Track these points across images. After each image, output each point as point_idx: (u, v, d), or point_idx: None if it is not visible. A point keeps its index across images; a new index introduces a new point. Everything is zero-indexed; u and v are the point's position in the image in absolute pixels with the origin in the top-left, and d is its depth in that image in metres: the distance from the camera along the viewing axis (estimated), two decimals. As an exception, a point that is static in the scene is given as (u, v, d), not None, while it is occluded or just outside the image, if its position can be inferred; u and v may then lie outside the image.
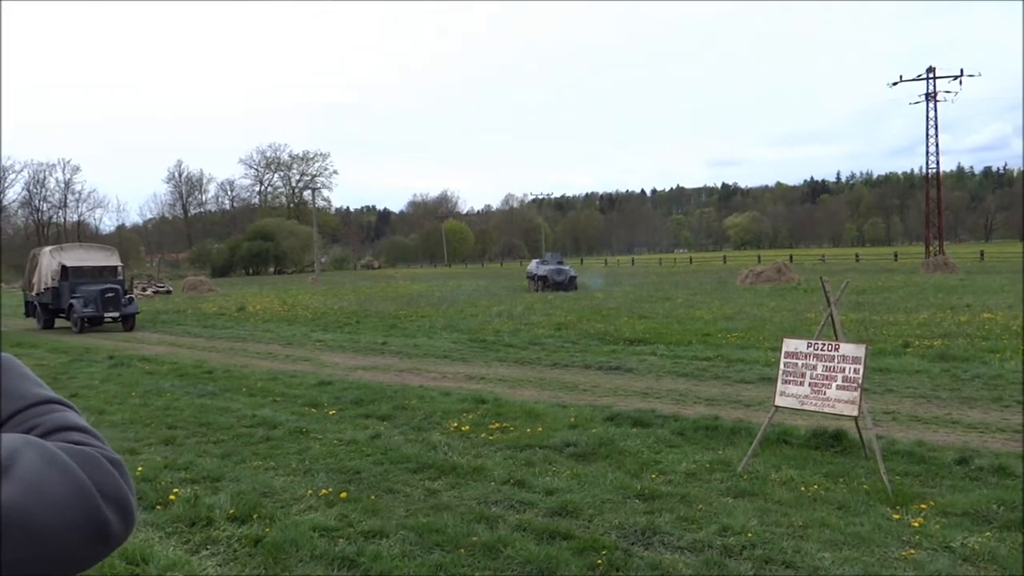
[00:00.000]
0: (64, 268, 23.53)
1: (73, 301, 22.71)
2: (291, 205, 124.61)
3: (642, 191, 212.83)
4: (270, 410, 9.52)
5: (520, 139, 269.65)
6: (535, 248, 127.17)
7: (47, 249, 24.79)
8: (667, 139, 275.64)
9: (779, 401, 6.61)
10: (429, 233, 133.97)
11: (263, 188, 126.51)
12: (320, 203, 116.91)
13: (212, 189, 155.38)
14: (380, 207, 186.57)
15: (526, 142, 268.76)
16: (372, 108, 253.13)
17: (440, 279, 56.34)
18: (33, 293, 25.02)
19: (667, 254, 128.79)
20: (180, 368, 13.93)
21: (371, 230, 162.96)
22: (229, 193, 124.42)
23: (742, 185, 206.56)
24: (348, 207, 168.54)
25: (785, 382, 6.58)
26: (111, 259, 24.82)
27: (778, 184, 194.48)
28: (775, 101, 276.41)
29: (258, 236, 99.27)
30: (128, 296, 23.19)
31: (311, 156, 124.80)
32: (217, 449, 7.66)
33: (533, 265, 39.60)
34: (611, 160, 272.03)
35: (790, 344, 6.63)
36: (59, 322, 24.80)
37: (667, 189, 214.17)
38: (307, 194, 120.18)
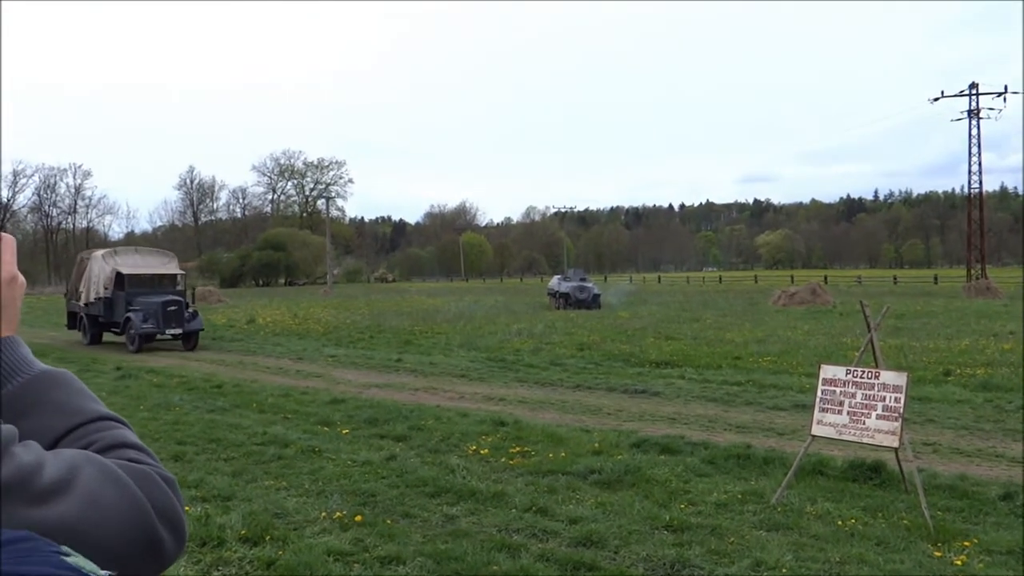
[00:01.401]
0: (120, 276, 21.44)
1: (131, 315, 20.46)
2: (304, 214, 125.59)
3: (670, 206, 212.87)
4: (282, 427, 9.58)
5: (543, 150, 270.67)
6: (557, 263, 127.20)
7: (99, 253, 22.78)
8: (697, 152, 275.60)
9: (815, 430, 6.57)
10: (446, 246, 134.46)
11: (276, 196, 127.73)
12: (334, 213, 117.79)
13: (224, 196, 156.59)
14: (396, 218, 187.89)
15: (549, 153, 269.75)
16: (391, 116, 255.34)
17: (457, 294, 56.48)
18: (80, 303, 22.67)
19: (695, 272, 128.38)
20: (189, 381, 14.05)
21: (386, 242, 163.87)
22: (241, 201, 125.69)
23: (775, 201, 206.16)
24: (363, 217, 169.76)
25: (822, 410, 6.54)
26: (171, 266, 22.93)
27: (812, 201, 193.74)
28: (810, 116, 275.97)
29: (269, 246, 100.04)
30: (191, 310, 21.18)
31: (326, 164, 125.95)
32: (228, 467, 7.72)
33: (555, 281, 39.58)
34: (638, 173, 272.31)
35: (828, 370, 6.60)
36: (106, 336, 23.02)
37: (696, 204, 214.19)
38: (321, 203, 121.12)
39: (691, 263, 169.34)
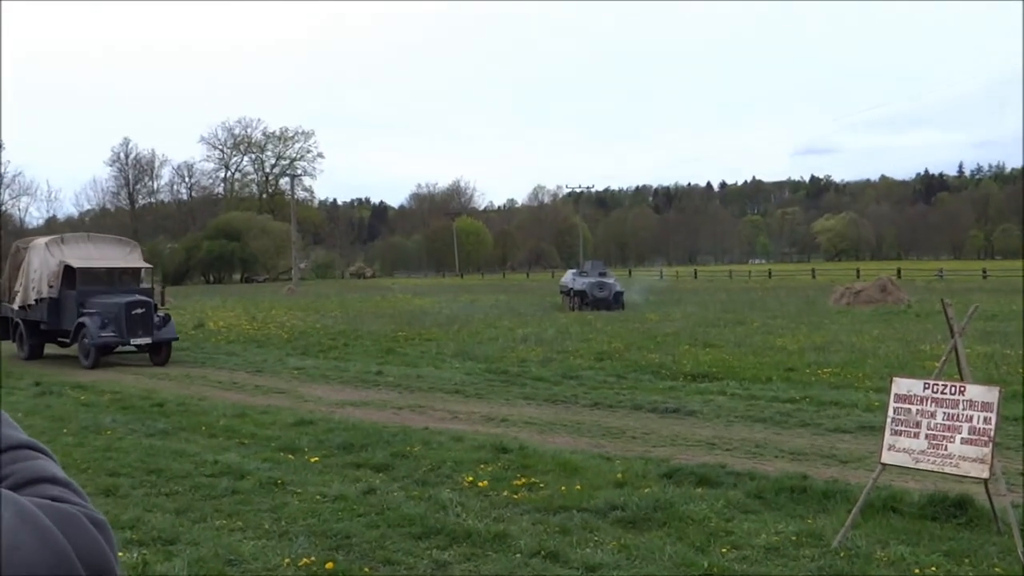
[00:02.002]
0: (69, 271, 20.34)
1: (84, 320, 19.42)
2: (264, 196, 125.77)
3: (708, 185, 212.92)
4: (236, 455, 9.60)
5: (553, 118, 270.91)
6: (570, 255, 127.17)
7: (40, 242, 21.55)
8: (741, 120, 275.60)
9: (886, 457, 6.56)
10: (436, 234, 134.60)
11: (229, 174, 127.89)
12: (301, 194, 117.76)
13: (166, 174, 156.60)
14: (375, 200, 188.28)
15: (560, 122, 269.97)
16: (369, 79, 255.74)
17: (450, 292, 56.53)
18: (15, 306, 21.56)
19: (739, 265, 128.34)
20: (123, 399, 14.08)
21: (364, 229, 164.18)
22: (187, 179, 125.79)
23: (836, 179, 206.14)
24: (335, 199, 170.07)
25: (894, 433, 6.53)
26: (133, 257, 22.08)
27: (882, 178, 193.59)
28: (879, 74, 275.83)
29: (222, 234, 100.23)
30: (162, 314, 20.27)
31: (290, 135, 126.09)
32: (171, 503, 7.73)
33: (568, 277, 39.62)
34: (669, 145, 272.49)
35: (902, 384, 6.58)
36: (50, 348, 21.94)
37: (740, 183, 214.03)
38: (284, 182, 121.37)
39: (734, 254, 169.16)
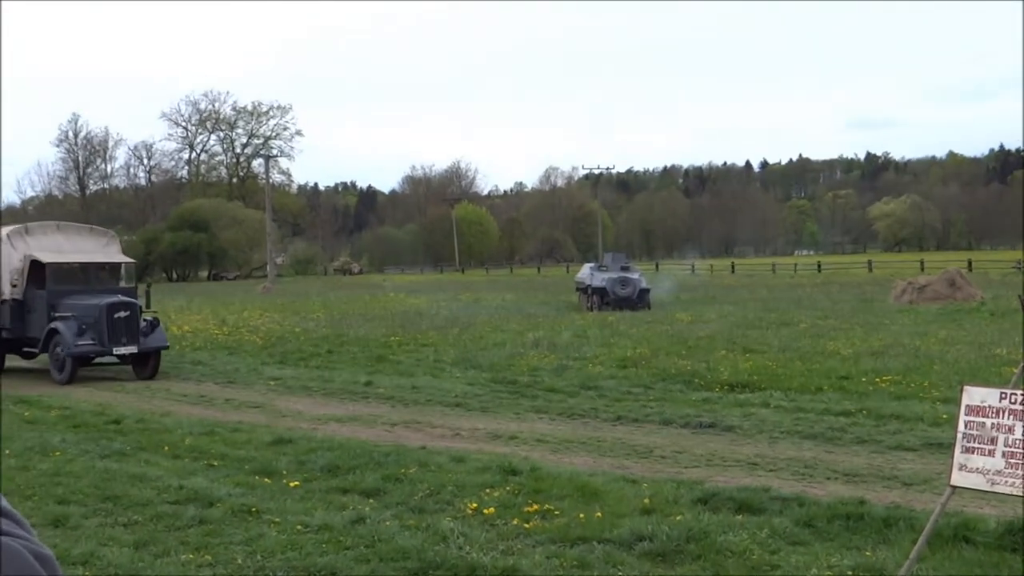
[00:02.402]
0: (37, 266, 19.83)
1: (57, 326, 18.82)
2: (234, 180, 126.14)
3: (747, 164, 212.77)
4: (204, 479, 9.61)
5: (567, 90, 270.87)
6: (588, 247, 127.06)
7: (2, 232, 20.79)
8: (785, 89, 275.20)
9: (957, 479, 6.53)
10: (433, 223, 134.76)
11: (194, 155, 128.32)
12: (276, 177, 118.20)
13: (121, 156, 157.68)
14: (363, 184, 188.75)
15: (576, 94, 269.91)
16: (354, 42, 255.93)
17: (449, 290, 56.58)
18: None
19: (784, 257, 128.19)
20: (74, 415, 14.13)
21: (349, 218, 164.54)
22: (145, 162, 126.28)
23: (896, 156, 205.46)
24: (317, 184, 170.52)
25: (966, 450, 6.50)
26: (111, 251, 21.63)
27: (950, 155, 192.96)
28: (946, 35, 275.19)
29: (186, 224, 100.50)
30: (150, 318, 19.83)
31: (264, 110, 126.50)
32: (129, 535, 7.73)
33: (586, 272, 39.63)
34: (702, 119, 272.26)
35: (974, 394, 6.56)
36: (11, 359, 21.23)
37: (784, 162, 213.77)
38: (258, 164, 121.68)
39: (777, 244, 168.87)
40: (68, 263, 20.30)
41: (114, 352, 18.99)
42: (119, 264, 21.52)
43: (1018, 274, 59.42)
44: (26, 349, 20.59)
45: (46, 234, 21.07)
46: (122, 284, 21.20)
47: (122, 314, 18.96)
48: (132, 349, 19.05)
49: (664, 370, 17.18)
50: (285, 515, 8.17)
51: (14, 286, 20.05)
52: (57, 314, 19.12)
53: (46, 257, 19.87)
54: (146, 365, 19.48)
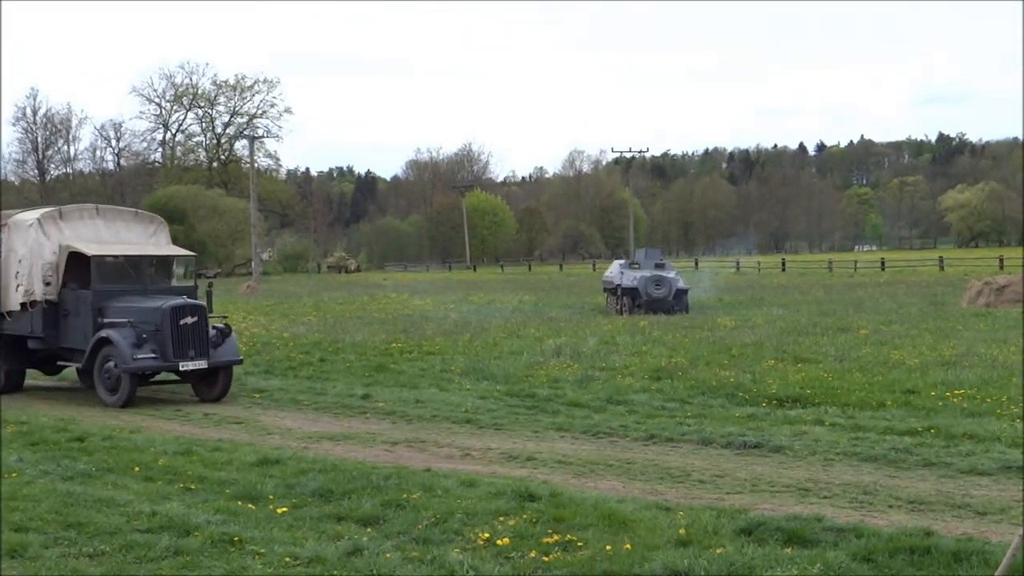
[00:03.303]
0: (78, 260, 18.38)
1: (110, 335, 17.20)
2: (215, 164, 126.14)
3: (800, 147, 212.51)
4: (180, 504, 9.62)
5: (594, 63, 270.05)
6: (618, 241, 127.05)
7: (25, 217, 19.33)
8: (844, 60, 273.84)
9: (1037, 507, 6.53)
10: (441, 214, 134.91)
11: (170, 136, 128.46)
12: (263, 161, 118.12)
13: (86, 136, 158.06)
14: (361, 170, 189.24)
15: (605, 64, 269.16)
16: (351, 11, 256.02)
17: (458, 290, 56.54)
18: None
19: (842, 253, 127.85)
20: (32, 431, 14.15)
21: (346, 208, 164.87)
22: (114, 143, 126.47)
23: (972, 138, 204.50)
24: (308, 169, 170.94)
25: (1048, 475, 6.50)
26: (159, 239, 20.43)
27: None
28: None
29: (160, 214, 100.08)
30: (221, 325, 18.47)
31: (249, 84, 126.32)
32: (95, 567, 7.76)
33: (615, 270, 39.58)
34: (749, 95, 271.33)
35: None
36: (32, 376, 20.07)
37: (844, 144, 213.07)
38: (241, 146, 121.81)
39: (835, 238, 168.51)
40: (116, 256, 18.80)
41: (180, 368, 17.40)
42: (171, 258, 20.33)
43: (1112, 273, 59.00)
44: (61, 363, 19.13)
45: (83, 219, 19.54)
46: (173, 282, 20.08)
47: (189, 320, 17.47)
48: (201, 364, 17.43)
49: (703, 382, 17.12)
50: (271, 545, 8.17)
51: (47, 284, 18.49)
52: (106, 320, 17.61)
53: (91, 248, 18.36)
54: (213, 384, 17.91)
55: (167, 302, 17.56)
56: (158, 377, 18.29)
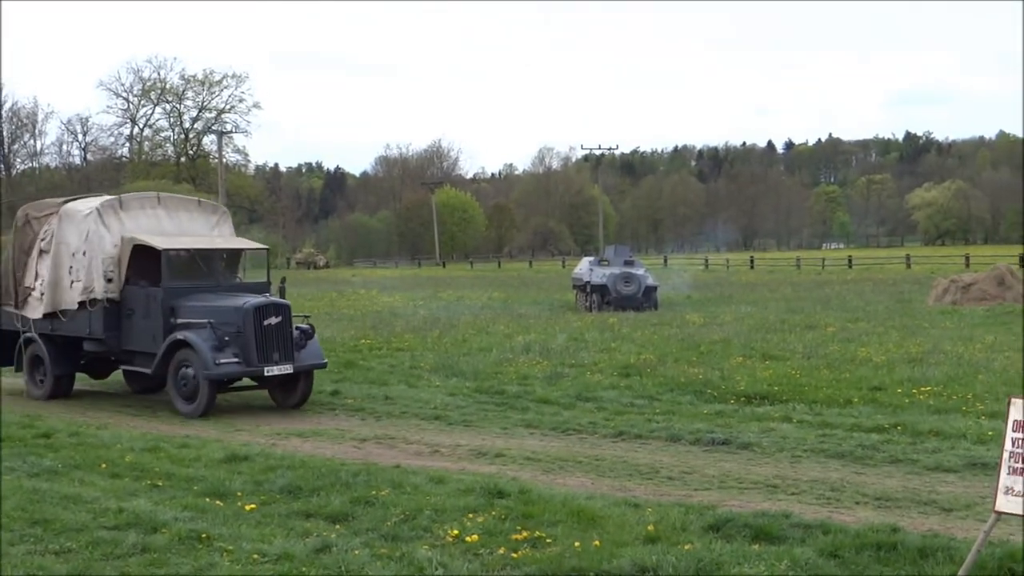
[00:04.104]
0: (143, 253, 16.94)
1: (188, 336, 15.79)
2: (183, 159, 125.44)
3: (769, 144, 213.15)
4: (147, 501, 9.60)
5: (565, 55, 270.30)
6: (587, 238, 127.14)
7: (81, 207, 17.85)
8: (814, 58, 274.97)
9: (1002, 504, 6.58)
10: (410, 210, 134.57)
11: (137, 130, 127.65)
12: (231, 157, 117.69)
13: (52, 131, 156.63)
14: (330, 166, 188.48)
15: (575, 60, 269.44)
16: (321, 6, 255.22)
17: (428, 287, 56.48)
18: (28, 313, 18.12)
19: (810, 251, 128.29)
20: (-2, 428, 14.04)
21: (315, 203, 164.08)
22: (81, 138, 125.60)
23: (939, 137, 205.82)
24: (277, 165, 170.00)
25: (1013, 472, 6.55)
26: (224, 230, 18.98)
27: (1002, 136, 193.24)
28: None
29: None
30: (302, 327, 16.89)
31: (217, 79, 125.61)
32: (61, 564, 7.73)
33: (584, 267, 39.59)
34: (717, 93, 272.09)
35: (1023, 407, 6.60)
36: (82, 380, 18.80)
37: (812, 142, 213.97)
38: (210, 141, 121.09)
39: (803, 236, 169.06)
40: (188, 249, 17.50)
41: (265, 373, 15.93)
42: (240, 251, 19.09)
43: (1076, 272, 59.50)
44: (126, 367, 17.74)
45: (144, 209, 18.02)
46: (237, 278, 18.66)
47: (273, 320, 16.05)
48: (287, 368, 16.03)
49: (672, 379, 17.19)
50: (239, 542, 8.16)
51: (108, 281, 16.95)
52: (180, 320, 16.31)
53: (160, 241, 16.92)
54: (293, 390, 16.62)
55: (249, 300, 16.22)
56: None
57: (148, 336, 16.61)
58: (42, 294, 17.75)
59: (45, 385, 17.96)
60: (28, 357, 18.29)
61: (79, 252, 17.13)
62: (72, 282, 17.19)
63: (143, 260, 16.93)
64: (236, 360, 15.70)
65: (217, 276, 17.54)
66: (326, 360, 17.36)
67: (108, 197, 18.30)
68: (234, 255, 18.58)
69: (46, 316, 17.64)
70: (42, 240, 18.04)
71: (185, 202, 19.24)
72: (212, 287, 17.11)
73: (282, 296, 17.43)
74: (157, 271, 16.68)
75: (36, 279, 17.98)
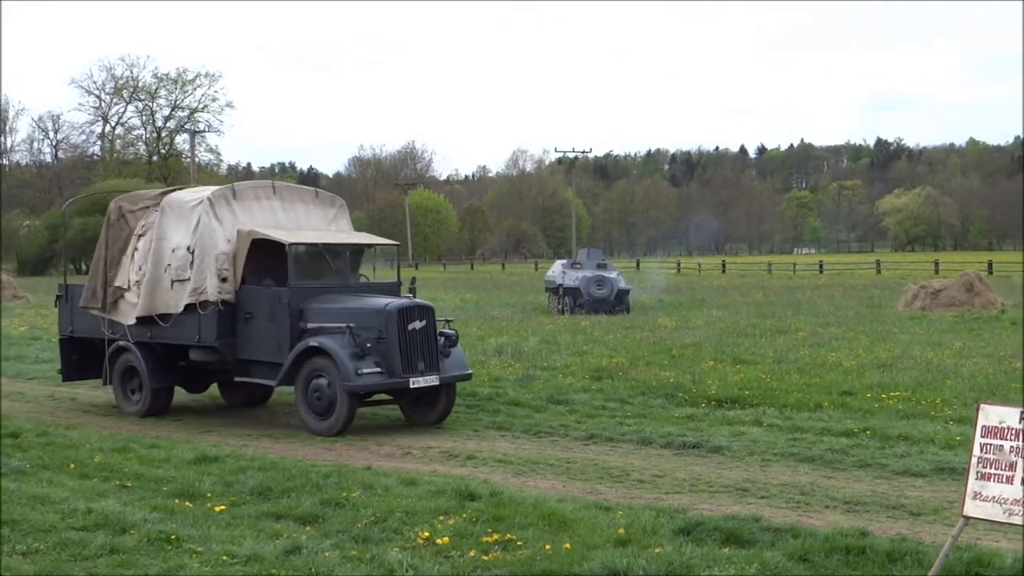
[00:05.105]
0: (265, 248, 15.05)
1: (324, 343, 13.99)
2: (155, 158, 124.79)
3: (742, 149, 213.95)
4: (116, 502, 9.55)
5: (537, 59, 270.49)
6: (560, 241, 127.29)
7: (188, 197, 16.03)
8: (786, 63, 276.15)
9: (970, 509, 6.61)
10: (383, 212, 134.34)
11: (109, 129, 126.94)
12: (203, 156, 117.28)
13: (23, 128, 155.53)
14: (303, 166, 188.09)
15: (549, 65, 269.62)
16: (295, 5, 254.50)
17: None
18: (121, 318, 16.08)
19: (781, 256, 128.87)
20: (-34, 427, 13.93)
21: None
22: (52, 135, 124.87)
23: (910, 144, 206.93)
24: (250, 164, 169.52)
25: (981, 477, 6.58)
26: (342, 224, 17.23)
27: (971, 143, 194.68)
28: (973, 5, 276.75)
29: (98, 209, 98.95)
30: (447, 332, 15.10)
31: (191, 78, 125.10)
32: (29, 566, 7.68)
33: (557, 270, 39.62)
34: (690, 98, 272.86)
35: (992, 413, 6.64)
36: (180, 395, 17.02)
37: (784, 148, 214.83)
38: (182, 140, 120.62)
39: (775, 241, 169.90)
40: (314, 244, 15.78)
41: (411, 385, 14.13)
42: (362, 247, 17.22)
43: (1044, 278, 59.97)
44: (241, 379, 15.53)
45: (259, 200, 16.09)
46: (364, 277, 17.02)
47: (417, 324, 14.38)
48: (433, 380, 14.26)
49: (644, 382, 17.20)
50: (209, 544, 8.14)
51: (223, 280, 15.04)
52: (310, 324, 14.54)
53: (285, 236, 15.10)
54: (433, 404, 14.83)
55: (391, 302, 14.62)
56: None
57: (271, 343, 14.70)
58: (137, 296, 15.83)
59: (141, 400, 15.91)
60: (119, 368, 16.22)
61: (183, 248, 15.25)
62: (173, 282, 15.30)
63: (260, 257, 15.10)
64: (379, 370, 13.93)
65: (345, 275, 15.86)
66: (471, 371, 15.64)
67: (218, 187, 16.37)
68: (357, 252, 16.79)
69: (142, 321, 15.63)
70: (139, 236, 16.16)
71: (301, 192, 17.20)
72: (340, 287, 15.46)
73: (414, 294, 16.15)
74: (276, 269, 14.93)
75: (129, 279, 16.08)
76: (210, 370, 16.12)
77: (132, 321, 15.72)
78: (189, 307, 14.94)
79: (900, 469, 11.07)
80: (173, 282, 15.22)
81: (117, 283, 16.14)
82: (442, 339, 14.75)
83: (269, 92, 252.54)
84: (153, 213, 15.99)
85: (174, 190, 16.98)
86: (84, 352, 17.07)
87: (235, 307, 14.96)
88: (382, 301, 14.65)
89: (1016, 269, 67.57)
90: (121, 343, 16.02)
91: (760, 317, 31.75)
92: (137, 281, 15.81)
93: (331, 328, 14.15)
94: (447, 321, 15.63)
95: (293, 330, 14.44)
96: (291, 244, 14.70)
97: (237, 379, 15.52)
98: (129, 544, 8.16)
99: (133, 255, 16.12)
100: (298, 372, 14.19)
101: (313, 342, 14.03)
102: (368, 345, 13.83)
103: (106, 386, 16.64)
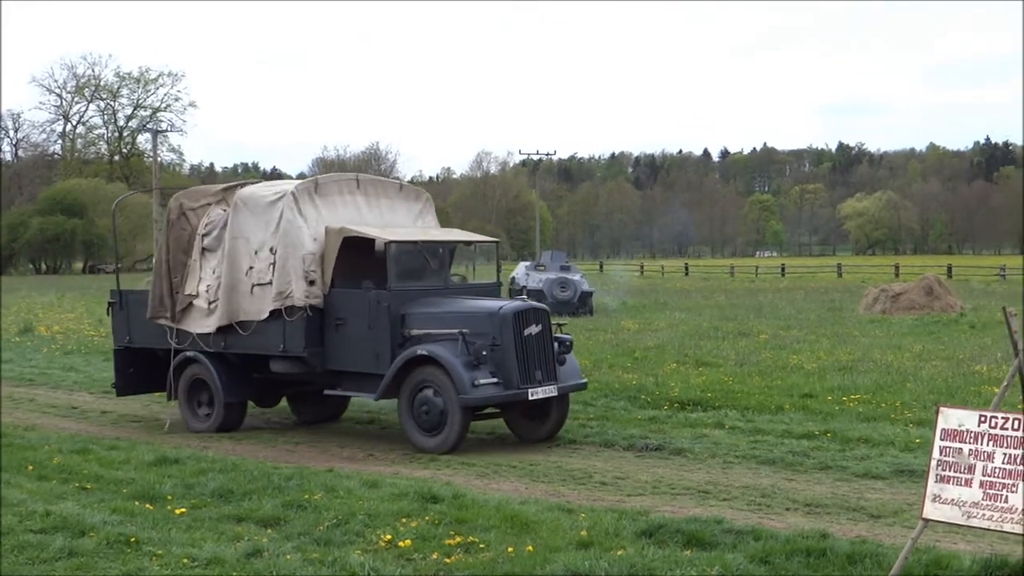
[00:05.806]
0: (358, 246, 13.68)
1: (434, 351, 12.79)
2: (116, 157, 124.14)
3: (705, 152, 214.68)
4: (75, 504, 9.48)
5: (503, 61, 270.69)
6: (524, 243, 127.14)
7: (265, 192, 14.71)
8: (749, 67, 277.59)
9: (929, 511, 6.65)
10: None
11: (70, 128, 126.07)
12: (166, 155, 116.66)
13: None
14: (266, 166, 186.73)
15: (513, 66, 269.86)
16: (258, 5, 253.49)
17: (364, 290, 56.11)
18: (191, 327, 14.78)
19: (744, 259, 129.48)
20: (-78, 429, 13.80)
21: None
22: (12, 134, 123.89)
23: (871, 148, 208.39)
24: (212, 164, 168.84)
25: (941, 479, 6.62)
26: (428, 220, 16.19)
27: (931, 148, 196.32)
28: (936, 9, 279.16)
29: (59, 208, 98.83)
30: (561, 337, 13.96)
31: (153, 77, 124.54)
32: (-15, 568, 7.60)
33: (521, 272, 39.59)
34: (654, 101, 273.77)
35: (951, 416, 6.68)
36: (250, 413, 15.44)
37: (747, 151, 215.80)
38: (144, 140, 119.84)
39: (737, 244, 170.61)
40: (413, 242, 14.41)
41: (530, 396, 12.88)
42: (454, 244, 15.74)
43: (1002, 282, 60.54)
44: (330, 392, 14.23)
45: (342, 195, 14.84)
46: (453, 277, 15.75)
47: (533, 329, 13.24)
48: (551, 391, 13.07)
49: (606, 384, 17.21)
50: (169, 547, 8.09)
51: (310, 283, 13.78)
52: (413, 331, 13.34)
53: (382, 233, 13.80)
54: (544, 417, 13.65)
55: (505, 305, 13.43)
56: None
57: (368, 352, 13.46)
58: (210, 303, 14.53)
59: (213, 415, 14.67)
60: (186, 381, 14.94)
61: (265, 248, 14.04)
62: (254, 286, 14.10)
63: (348, 257, 13.85)
64: (495, 380, 12.71)
65: (443, 276, 14.82)
66: (586, 380, 14.66)
67: (304, 181, 14.84)
68: (450, 249, 15.36)
69: (218, 329, 14.44)
70: (204, 235, 14.88)
71: (386, 186, 15.92)
72: (440, 289, 14.35)
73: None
74: (367, 271, 13.68)
75: (200, 284, 14.76)
76: (288, 383, 15.07)
77: (208, 330, 14.50)
78: (272, 313, 13.80)
79: (860, 471, 11.14)
80: (254, 286, 14.08)
81: (186, 290, 14.86)
82: (556, 345, 13.63)
83: (232, 92, 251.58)
84: (216, 210, 14.92)
85: (238, 185, 15.48)
86: (142, 364, 15.77)
87: (323, 313, 13.77)
88: (494, 304, 13.60)
89: (974, 273, 68.27)
90: (189, 354, 14.77)
91: (723, 320, 31.85)
92: (208, 286, 14.62)
93: (438, 335, 13.01)
94: (559, 325, 14.55)
95: (394, 338, 13.27)
96: (389, 242, 13.43)
97: (327, 392, 14.26)
98: (88, 547, 8.09)
99: (200, 257, 14.89)
100: (402, 384, 13.03)
101: (422, 351, 12.83)
102: (484, 353, 12.65)
103: (170, 401, 15.33)
